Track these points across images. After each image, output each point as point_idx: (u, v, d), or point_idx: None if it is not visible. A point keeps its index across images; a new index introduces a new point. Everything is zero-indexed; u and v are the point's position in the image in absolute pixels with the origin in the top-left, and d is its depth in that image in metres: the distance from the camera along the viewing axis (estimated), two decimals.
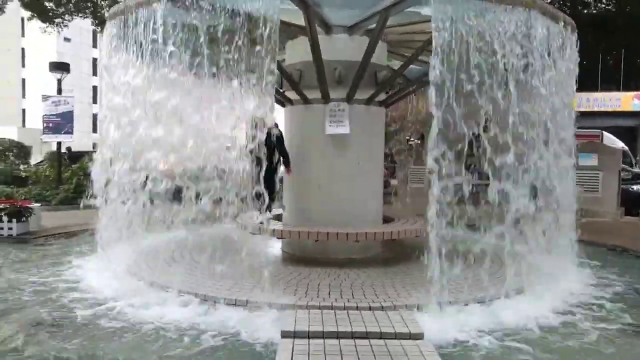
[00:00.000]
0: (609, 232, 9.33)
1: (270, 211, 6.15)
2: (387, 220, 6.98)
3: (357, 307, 4.48)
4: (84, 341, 3.94)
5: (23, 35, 44.69)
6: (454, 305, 4.58)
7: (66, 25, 16.04)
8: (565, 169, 5.82)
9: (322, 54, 5.79)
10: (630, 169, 17.04)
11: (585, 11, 15.92)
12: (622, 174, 13.20)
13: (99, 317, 4.45)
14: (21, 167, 14.12)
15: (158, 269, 5.65)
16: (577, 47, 5.78)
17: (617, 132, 21.55)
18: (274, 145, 6.17)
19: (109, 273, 5.59)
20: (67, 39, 41.36)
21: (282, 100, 6.92)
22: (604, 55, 24.07)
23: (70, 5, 15.92)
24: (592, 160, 11.51)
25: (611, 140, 19.10)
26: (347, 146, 6.34)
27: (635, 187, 14.02)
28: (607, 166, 11.50)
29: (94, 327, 4.24)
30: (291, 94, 6.62)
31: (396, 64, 7.55)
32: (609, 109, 25.63)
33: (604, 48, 20.67)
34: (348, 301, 4.62)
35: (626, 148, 19.74)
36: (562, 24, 5.03)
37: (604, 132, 19.09)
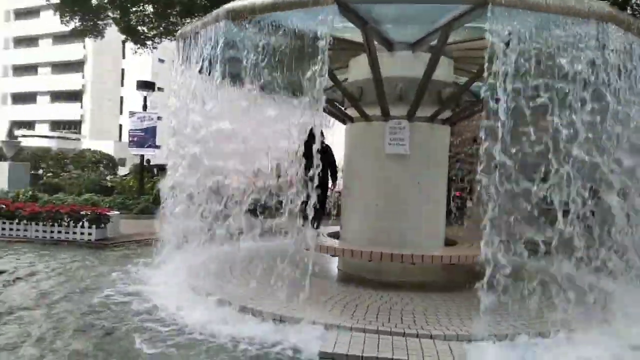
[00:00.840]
0: None
1: (318, 227, 6.10)
2: (450, 243, 6.67)
3: (404, 333, 4.27)
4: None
5: (124, 57, 48.78)
6: (511, 340, 4.23)
7: (155, 47, 17.23)
8: None
9: (384, 71, 5.72)
10: None
11: None
12: None
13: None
14: (108, 177, 15.26)
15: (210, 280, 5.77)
16: None
17: None
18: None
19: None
20: (161, 60, 44.58)
21: (343, 118, 6.91)
22: None
23: (161, 28, 17.14)
24: None
25: None
26: (407, 164, 6.17)
27: None
28: None
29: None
30: (352, 112, 6.58)
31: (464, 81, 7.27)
32: None
33: None
34: (395, 326, 4.42)
35: None
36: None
37: None
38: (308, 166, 5.14)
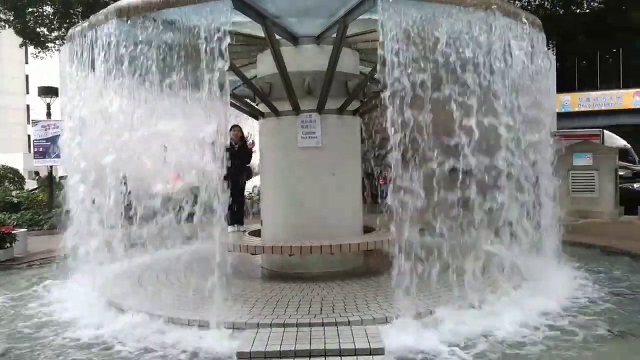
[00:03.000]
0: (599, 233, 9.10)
1: (240, 224, 6.03)
2: (369, 230, 6.83)
3: (322, 323, 4.32)
4: None
5: (27, 62, 45.36)
6: (424, 316, 4.41)
7: (58, 50, 16.17)
8: (542, 171, 5.64)
9: (290, 65, 5.73)
10: (633, 167, 16.69)
11: (578, 10, 15.70)
12: (622, 172, 12.94)
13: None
14: (13, 192, 14.15)
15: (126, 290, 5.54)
16: (549, 46, 5.64)
17: (622, 130, 21.23)
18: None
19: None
20: (60, 61, 41.95)
21: (255, 114, 6.86)
22: (601, 55, 23.86)
23: (62, 29, 16.08)
24: (586, 160, 11.27)
25: (612, 138, 18.81)
26: (321, 157, 6.23)
27: (636, 186, 13.72)
28: (603, 165, 11.25)
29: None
30: (263, 107, 6.54)
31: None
32: (611, 108, 25.29)
33: (599, 47, 20.46)
34: (314, 317, 4.47)
35: (629, 146, 19.39)
36: (525, 22, 4.88)
37: (604, 130, 18.81)
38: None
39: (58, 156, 12.07)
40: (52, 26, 15.92)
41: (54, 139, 12.17)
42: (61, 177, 14.78)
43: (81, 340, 4.37)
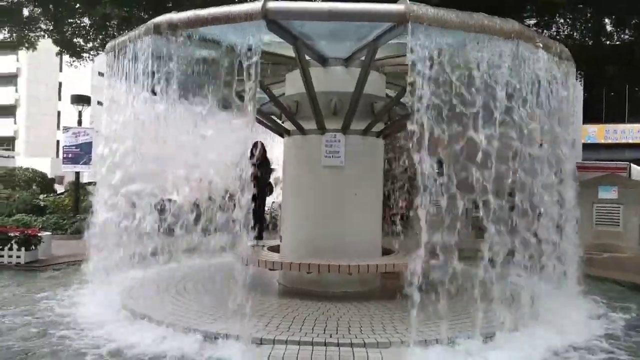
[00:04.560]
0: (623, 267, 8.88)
1: (260, 239, 6.10)
2: (387, 252, 6.82)
3: (337, 343, 4.32)
4: None
5: (61, 70, 46.83)
6: (441, 344, 4.37)
7: (92, 60, 16.70)
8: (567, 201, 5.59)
9: (318, 85, 5.83)
10: None
11: (607, 42, 15.59)
12: None
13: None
14: (40, 196, 14.51)
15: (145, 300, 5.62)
16: (577, 77, 5.63)
17: None
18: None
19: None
20: (100, 74, 43.16)
21: (280, 131, 6.97)
22: (630, 87, 23.52)
23: (98, 40, 16.63)
24: (612, 193, 11.07)
25: (639, 173, 18.46)
26: (343, 177, 6.28)
27: None
28: (629, 199, 11.03)
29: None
30: (289, 125, 6.65)
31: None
32: (638, 141, 24.82)
33: (629, 79, 20.19)
34: (330, 337, 4.47)
35: None
36: (555, 53, 4.90)
37: (632, 164, 18.48)
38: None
39: (86, 163, 12.40)
40: (89, 37, 16.46)
41: (83, 146, 12.50)
42: (87, 184, 15.17)
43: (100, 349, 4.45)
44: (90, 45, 16.71)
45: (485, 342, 4.47)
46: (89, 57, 16.94)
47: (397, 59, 6.43)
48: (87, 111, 15.40)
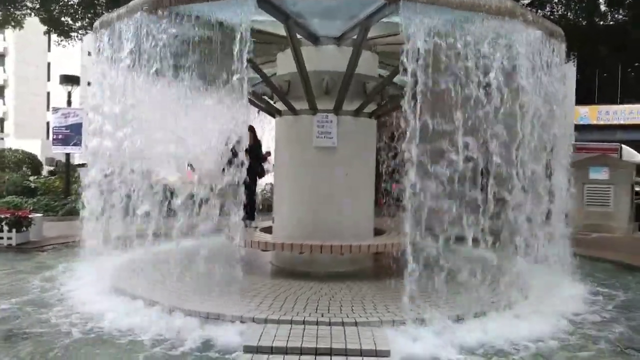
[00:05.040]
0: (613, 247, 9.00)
1: (252, 221, 6.10)
2: (379, 233, 6.85)
3: (329, 322, 4.35)
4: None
5: (49, 49, 46.04)
6: (434, 322, 4.42)
7: (81, 39, 16.41)
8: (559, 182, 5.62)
9: (310, 65, 5.77)
10: None
11: (601, 22, 15.49)
12: (638, 188, 12.78)
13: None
14: (31, 178, 14.39)
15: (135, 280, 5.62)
16: (570, 57, 5.61)
17: None
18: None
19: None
20: (90, 53, 42.46)
21: (272, 111, 6.91)
22: (623, 68, 23.50)
23: (86, 19, 16.31)
24: (603, 174, 11.15)
25: (631, 154, 18.58)
26: (335, 157, 6.26)
27: None
28: (619, 180, 11.12)
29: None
30: (281, 105, 6.59)
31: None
32: (630, 122, 24.90)
33: (622, 60, 20.16)
34: (322, 316, 4.50)
35: None
36: (548, 33, 4.87)
37: (623, 145, 18.58)
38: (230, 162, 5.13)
39: (76, 144, 12.27)
40: (77, 16, 16.13)
41: (73, 127, 12.36)
42: (79, 165, 15.05)
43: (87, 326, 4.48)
44: (78, 24, 16.38)
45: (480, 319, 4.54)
46: (77, 37, 16.62)
47: (390, 38, 6.37)
48: (76, 91, 15.18)
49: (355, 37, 5.98)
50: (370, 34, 5.61)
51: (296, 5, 5.02)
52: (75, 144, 12.44)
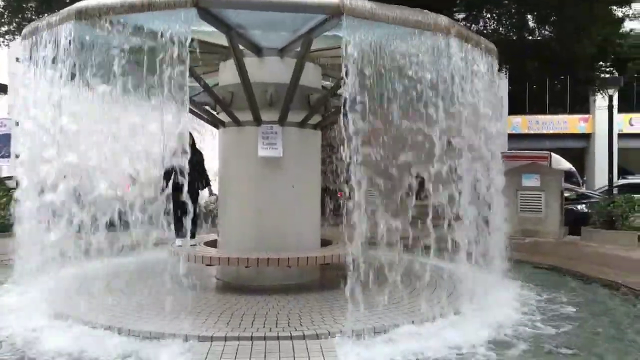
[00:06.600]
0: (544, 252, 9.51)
1: (193, 236, 5.95)
2: (326, 243, 6.86)
3: (277, 337, 4.30)
4: None
5: None
6: (379, 332, 4.47)
7: (7, 45, 15.49)
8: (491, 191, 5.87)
9: (253, 76, 5.72)
10: (577, 188, 17.55)
11: (530, 37, 16.44)
12: (567, 194, 13.57)
13: None
14: None
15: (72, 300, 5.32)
16: (502, 69, 5.91)
17: (567, 153, 22.35)
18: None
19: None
20: (18, 59, 40.14)
21: (216, 123, 6.80)
22: (550, 80, 25.06)
23: (14, 24, 15.42)
24: (534, 181, 11.77)
25: (558, 161, 19.73)
26: (280, 169, 6.23)
27: (579, 207, 14.41)
28: (550, 187, 11.79)
29: None
30: (224, 116, 6.49)
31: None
32: (558, 131, 26.59)
33: (549, 73, 21.52)
34: (270, 330, 4.44)
35: (573, 169, 20.42)
36: (483, 48, 5.11)
37: (552, 153, 19.73)
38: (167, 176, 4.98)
39: (4, 156, 11.50)
40: (3, 20, 15.22)
41: (1, 138, 11.59)
42: (6, 178, 14.10)
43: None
44: (5, 29, 15.47)
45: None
46: (4, 42, 15.69)
47: (333, 51, 6.44)
48: (3, 100, 14.26)
49: (297, 49, 6.02)
50: (313, 47, 5.65)
51: (238, 17, 4.98)
52: (3, 156, 11.65)
